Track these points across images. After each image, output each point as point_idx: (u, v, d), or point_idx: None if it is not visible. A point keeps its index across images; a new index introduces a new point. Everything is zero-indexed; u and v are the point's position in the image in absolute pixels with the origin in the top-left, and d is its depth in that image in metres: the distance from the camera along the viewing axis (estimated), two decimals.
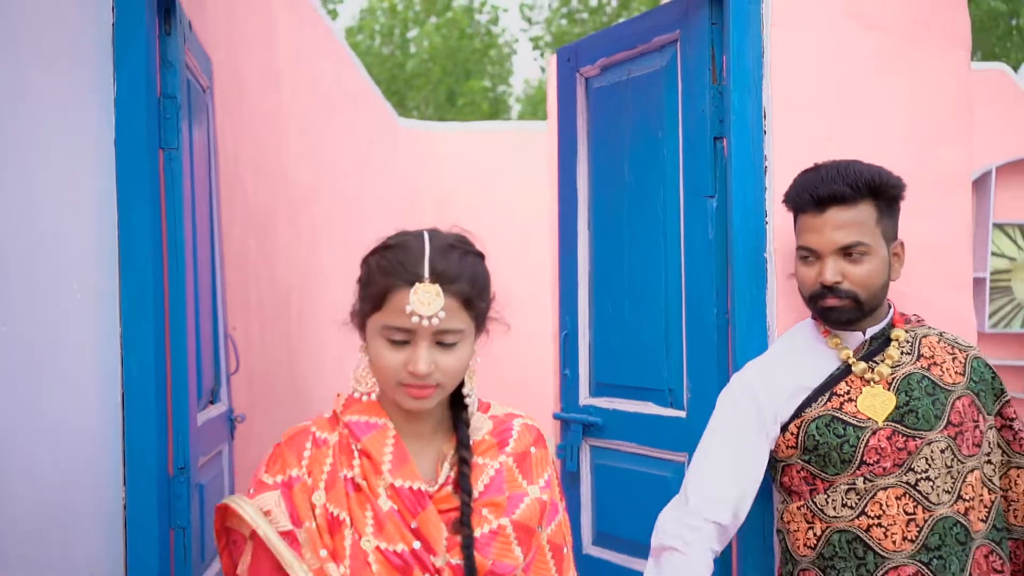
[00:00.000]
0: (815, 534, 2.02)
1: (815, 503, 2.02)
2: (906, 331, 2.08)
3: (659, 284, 2.63)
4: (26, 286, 2.06)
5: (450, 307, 1.45)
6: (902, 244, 2.08)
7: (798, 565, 2.07)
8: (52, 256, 2.16)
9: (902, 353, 2.05)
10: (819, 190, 2.00)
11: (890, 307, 2.11)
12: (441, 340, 1.46)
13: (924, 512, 1.96)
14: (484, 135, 8.04)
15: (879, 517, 1.96)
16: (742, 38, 2.34)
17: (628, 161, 2.74)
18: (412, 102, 17.15)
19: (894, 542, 1.95)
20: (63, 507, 2.16)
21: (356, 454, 1.52)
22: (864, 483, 1.98)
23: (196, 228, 2.80)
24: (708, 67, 2.44)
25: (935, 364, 2.05)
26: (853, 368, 2.04)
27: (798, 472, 2.05)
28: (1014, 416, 2.09)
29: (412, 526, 1.48)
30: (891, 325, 2.09)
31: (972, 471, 2.00)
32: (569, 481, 2.88)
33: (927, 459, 1.97)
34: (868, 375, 2.03)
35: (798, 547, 2.06)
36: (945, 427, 1.99)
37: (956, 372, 2.05)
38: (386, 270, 1.47)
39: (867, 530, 1.97)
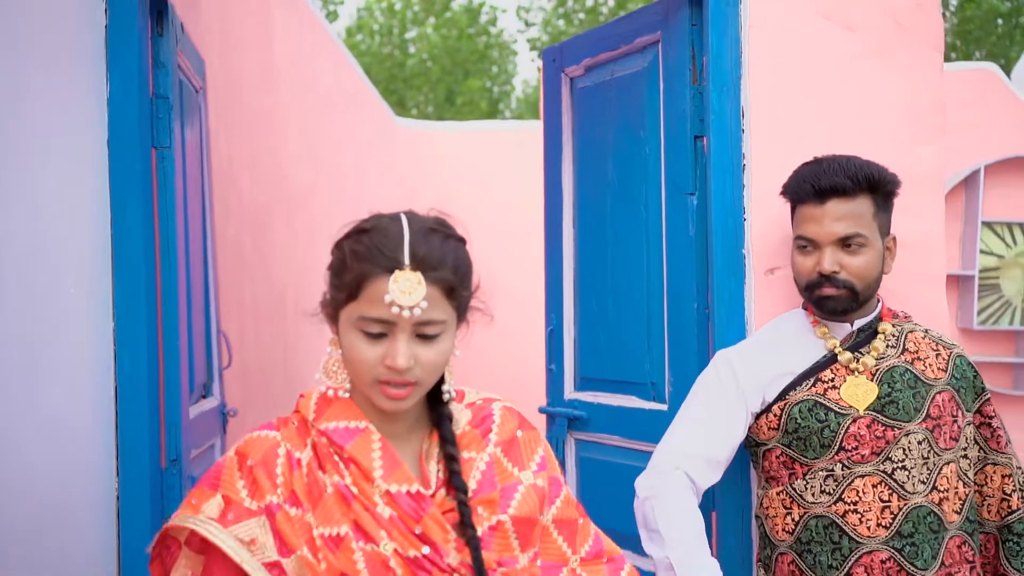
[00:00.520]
0: (793, 519, 2.07)
1: (794, 489, 2.07)
2: (893, 325, 2.14)
3: (641, 280, 2.67)
4: (20, 283, 2.09)
5: (432, 296, 1.34)
6: (894, 239, 2.14)
7: (776, 549, 2.12)
8: (46, 253, 2.19)
9: (887, 346, 2.10)
10: (821, 181, 2.05)
11: (879, 301, 2.16)
12: (422, 332, 1.35)
13: (899, 500, 2.01)
14: (483, 135, 8.02)
15: (855, 503, 2.01)
16: (721, 39, 2.39)
17: (612, 160, 2.79)
18: (411, 101, 17.19)
19: (868, 528, 2.01)
20: (58, 498, 2.20)
21: (341, 463, 1.40)
22: (842, 470, 2.03)
23: (188, 226, 2.84)
24: (689, 67, 2.48)
25: (919, 359, 2.10)
26: (839, 357, 2.09)
27: (777, 457, 2.10)
28: (993, 414, 2.14)
29: (416, 532, 1.38)
30: (879, 318, 2.14)
31: (948, 464, 2.05)
32: None
33: (904, 449, 2.02)
34: (853, 365, 2.08)
35: (776, 532, 2.11)
36: (924, 419, 2.04)
37: (939, 368, 2.09)
38: (362, 256, 1.36)
39: (843, 516, 2.02)
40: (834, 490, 2.03)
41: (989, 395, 2.16)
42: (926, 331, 2.16)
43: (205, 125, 3.24)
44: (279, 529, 1.34)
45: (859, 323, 2.12)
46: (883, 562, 2.00)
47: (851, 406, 2.04)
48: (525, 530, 1.45)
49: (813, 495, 2.05)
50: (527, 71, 19.81)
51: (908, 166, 2.33)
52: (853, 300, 2.07)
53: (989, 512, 2.13)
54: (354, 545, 1.36)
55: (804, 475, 2.06)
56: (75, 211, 2.31)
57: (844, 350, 2.10)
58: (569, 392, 2.96)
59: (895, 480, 2.01)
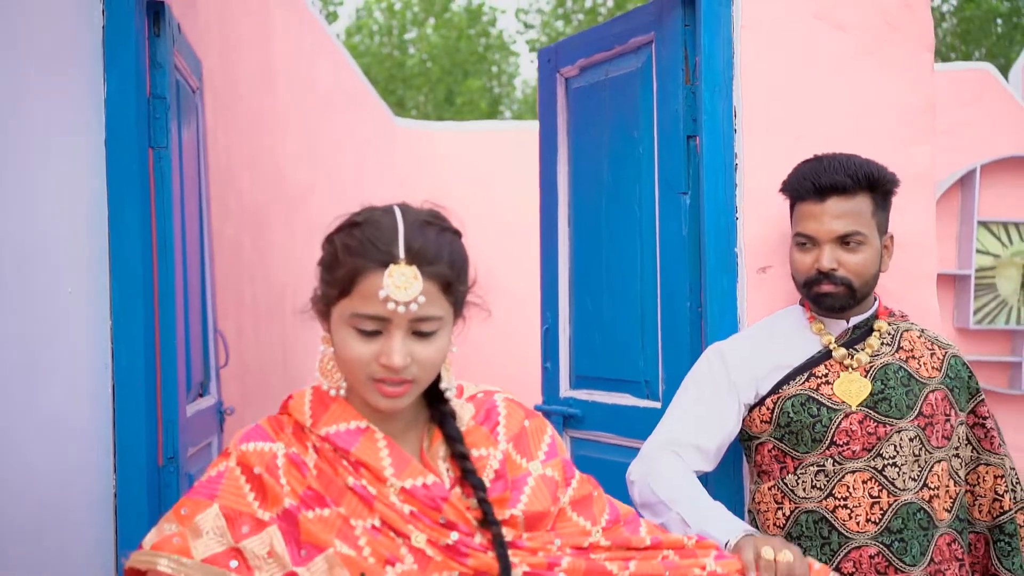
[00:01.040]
0: (784, 514, 2.09)
1: (785, 484, 2.08)
2: (889, 323, 2.15)
3: (635, 278, 2.69)
4: (19, 282, 2.11)
5: (428, 292, 1.29)
6: (891, 238, 2.15)
7: None
8: (44, 253, 2.21)
9: (883, 344, 2.12)
10: (821, 179, 2.06)
11: (875, 299, 2.17)
12: (418, 329, 1.30)
13: (889, 496, 2.02)
14: (482, 135, 8.03)
15: (845, 499, 2.03)
16: (713, 40, 2.41)
17: (606, 159, 2.80)
18: (411, 102, 17.20)
19: (858, 523, 2.02)
20: (56, 496, 2.21)
21: (350, 466, 1.36)
22: (833, 465, 2.04)
23: (185, 225, 2.86)
24: (682, 68, 2.50)
25: (913, 357, 2.11)
26: (833, 353, 2.10)
27: (769, 451, 2.12)
28: (987, 415, 2.15)
29: (441, 521, 1.35)
30: (875, 316, 2.15)
31: (939, 462, 2.06)
32: None
33: (895, 446, 2.03)
34: (847, 361, 2.09)
35: (768, 526, 2.12)
36: (916, 417, 2.05)
37: (933, 367, 2.11)
38: (355, 250, 1.30)
39: (833, 511, 2.03)
40: (824, 485, 2.05)
41: (983, 396, 2.17)
42: (922, 331, 2.18)
43: (202, 125, 3.26)
44: (307, 529, 1.31)
45: (855, 320, 2.14)
46: (871, 557, 2.01)
47: (844, 401, 2.06)
48: (535, 523, 1.42)
49: (804, 490, 2.06)
50: (527, 71, 19.80)
51: (900, 166, 2.33)
52: (851, 297, 2.08)
53: (980, 512, 2.14)
54: (392, 534, 1.34)
55: (795, 470, 2.08)
56: (73, 211, 2.33)
57: (839, 346, 2.12)
58: (564, 390, 2.97)
59: (885, 476, 2.03)
